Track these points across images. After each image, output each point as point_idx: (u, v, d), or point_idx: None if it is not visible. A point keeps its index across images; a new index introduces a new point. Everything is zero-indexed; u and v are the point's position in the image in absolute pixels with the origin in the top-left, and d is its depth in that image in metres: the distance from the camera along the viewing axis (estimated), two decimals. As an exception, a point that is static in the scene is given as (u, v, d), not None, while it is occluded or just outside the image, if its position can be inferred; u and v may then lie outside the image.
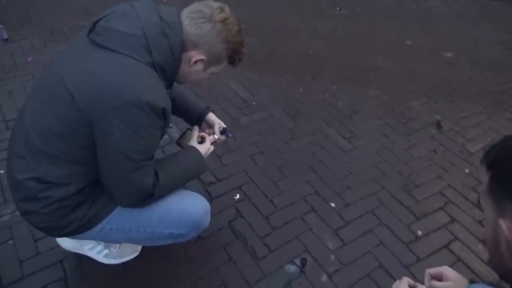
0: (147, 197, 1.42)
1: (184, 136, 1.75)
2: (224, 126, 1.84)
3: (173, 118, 1.83)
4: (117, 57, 1.25)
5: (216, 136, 1.78)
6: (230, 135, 1.85)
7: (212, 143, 1.74)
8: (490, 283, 1.16)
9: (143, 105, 1.23)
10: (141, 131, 1.27)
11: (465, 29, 4.18)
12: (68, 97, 1.24)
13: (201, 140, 1.72)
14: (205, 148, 1.67)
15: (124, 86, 1.23)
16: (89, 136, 1.28)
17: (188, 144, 1.67)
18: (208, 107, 1.86)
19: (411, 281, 1.17)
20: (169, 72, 1.38)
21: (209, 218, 1.67)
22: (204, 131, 1.79)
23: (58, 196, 1.35)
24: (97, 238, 1.62)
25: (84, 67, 1.27)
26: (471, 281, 1.15)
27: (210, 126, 1.83)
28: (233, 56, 1.46)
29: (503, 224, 0.71)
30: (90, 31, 1.30)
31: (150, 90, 1.26)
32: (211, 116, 1.84)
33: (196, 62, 1.40)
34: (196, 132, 1.72)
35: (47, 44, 3.42)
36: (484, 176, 0.80)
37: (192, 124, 1.82)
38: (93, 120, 1.24)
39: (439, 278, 1.21)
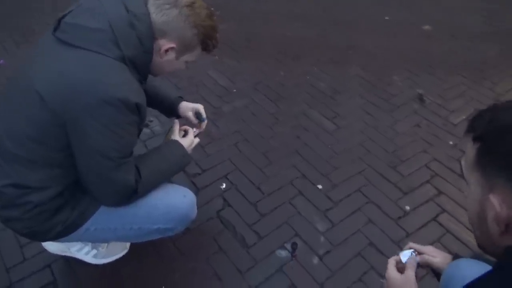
0: (131, 194, 1.39)
1: (169, 132, 1.73)
2: (198, 109, 1.80)
3: (154, 111, 1.82)
4: (85, 54, 1.21)
5: (195, 130, 1.74)
6: (205, 119, 1.80)
7: (196, 135, 1.71)
8: (474, 256, 1.17)
9: (116, 102, 1.19)
10: (116, 129, 1.24)
11: (442, 0, 4.16)
12: (38, 99, 1.20)
13: (184, 134, 1.69)
14: (188, 141, 1.63)
15: (95, 84, 1.19)
16: (64, 137, 1.24)
17: (171, 138, 1.64)
18: (180, 97, 1.82)
19: (397, 259, 1.17)
20: (140, 65, 1.33)
21: (196, 210, 1.65)
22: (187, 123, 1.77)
23: (38, 200, 1.31)
24: (83, 240, 1.60)
25: (52, 67, 1.23)
26: (456, 256, 1.15)
27: (185, 117, 1.79)
28: (206, 42, 1.41)
29: (493, 199, 0.68)
30: (56, 29, 1.26)
31: (122, 86, 1.22)
32: (183, 106, 1.80)
33: (167, 51, 1.35)
34: (177, 126, 1.69)
35: (19, 46, 3.33)
36: (470, 148, 0.76)
37: (167, 115, 1.79)
38: (66, 121, 1.21)
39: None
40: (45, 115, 1.21)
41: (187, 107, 1.81)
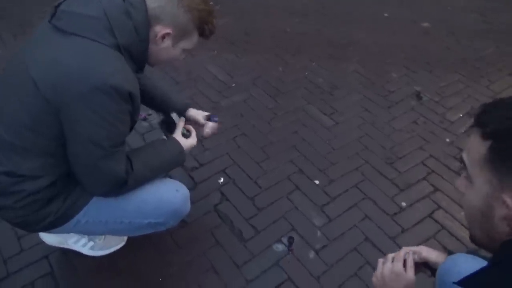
0: (121, 185, 1.38)
1: (169, 119, 1.73)
2: (207, 114, 1.80)
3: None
4: (80, 41, 1.21)
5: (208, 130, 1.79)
6: (216, 118, 1.81)
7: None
8: (469, 252, 1.18)
9: (109, 89, 1.19)
10: (108, 117, 1.24)
11: (441, -2, 4.18)
12: (32, 87, 1.20)
13: (187, 133, 1.67)
14: (189, 143, 1.63)
15: (88, 71, 1.19)
16: (57, 125, 1.24)
17: (173, 134, 1.63)
18: (188, 103, 1.81)
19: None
20: (136, 54, 1.32)
21: (189, 205, 1.64)
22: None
23: (31, 189, 1.31)
24: (75, 232, 1.59)
25: (46, 54, 1.23)
26: (450, 253, 1.17)
27: (194, 121, 1.78)
28: (202, 27, 1.38)
29: (508, 199, 0.66)
30: (52, 17, 1.26)
31: (115, 74, 1.22)
32: (191, 112, 1.79)
33: (163, 37, 1.34)
34: (182, 124, 1.68)
35: (16, 37, 3.31)
36: (477, 144, 0.72)
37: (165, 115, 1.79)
38: (59, 109, 1.21)
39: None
40: (38, 102, 1.21)
41: (197, 113, 1.80)
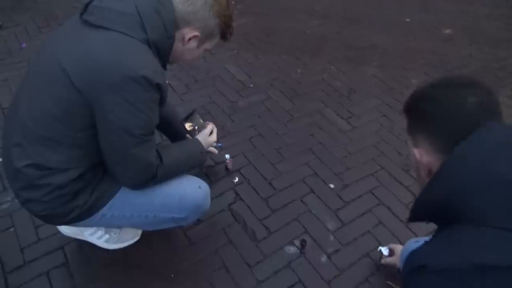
0: (151, 176, 1.42)
1: (191, 117, 1.93)
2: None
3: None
4: (112, 35, 1.25)
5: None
6: (220, 144, 2.12)
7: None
8: None
9: (140, 79, 1.22)
10: (140, 106, 1.27)
11: (464, 5, 4.11)
12: (64, 78, 1.23)
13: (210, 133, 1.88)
14: (212, 139, 1.84)
15: (120, 62, 1.22)
16: (87, 116, 1.27)
17: (198, 132, 1.84)
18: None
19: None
20: (162, 51, 1.37)
21: (209, 201, 1.68)
22: None
23: (58, 183, 1.34)
24: (98, 225, 1.61)
25: (79, 47, 1.26)
26: None
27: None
28: (225, 30, 1.48)
29: (416, 152, 0.93)
30: (83, 13, 1.29)
31: (146, 65, 1.26)
32: None
33: (190, 39, 1.40)
34: (211, 127, 1.87)
35: (41, 30, 3.37)
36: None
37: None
38: (91, 99, 1.24)
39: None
40: (70, 94, 1.24)
41: None
